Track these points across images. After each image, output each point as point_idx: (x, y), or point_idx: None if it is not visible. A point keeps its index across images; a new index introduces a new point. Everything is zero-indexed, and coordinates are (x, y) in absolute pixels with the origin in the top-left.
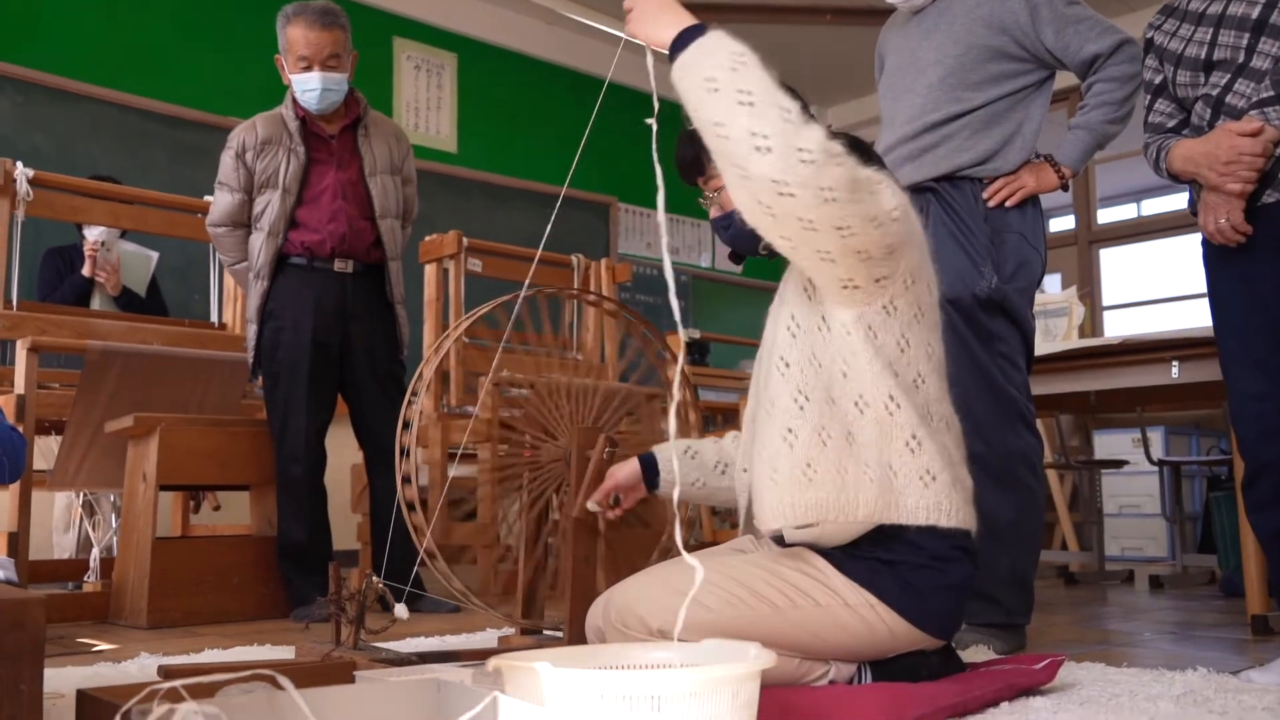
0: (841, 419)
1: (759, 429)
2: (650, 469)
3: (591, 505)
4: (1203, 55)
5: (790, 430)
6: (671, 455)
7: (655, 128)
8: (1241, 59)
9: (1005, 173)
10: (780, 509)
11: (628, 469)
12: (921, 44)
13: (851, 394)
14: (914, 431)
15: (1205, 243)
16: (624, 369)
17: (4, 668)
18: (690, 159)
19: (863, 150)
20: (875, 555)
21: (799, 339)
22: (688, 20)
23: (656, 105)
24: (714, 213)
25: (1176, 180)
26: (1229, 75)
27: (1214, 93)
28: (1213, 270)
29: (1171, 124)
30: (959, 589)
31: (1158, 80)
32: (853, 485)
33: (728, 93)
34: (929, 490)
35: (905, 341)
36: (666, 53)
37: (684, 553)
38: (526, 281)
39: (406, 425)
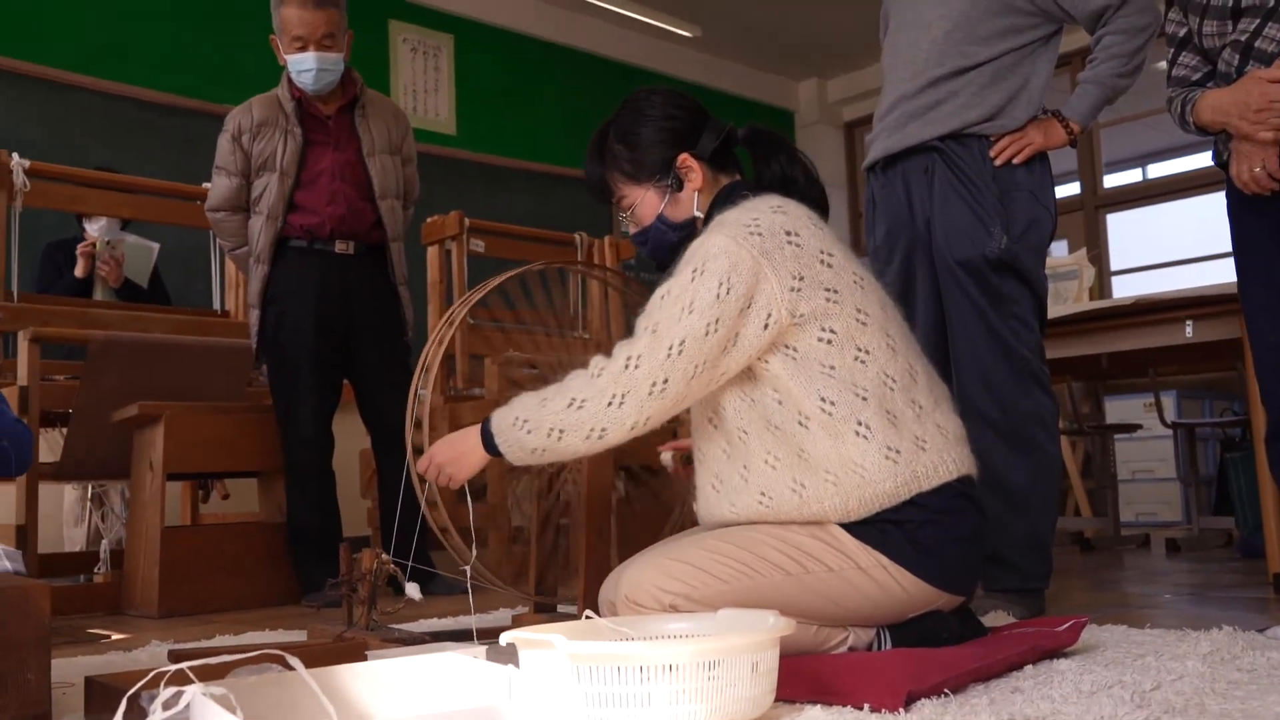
0: (789, 441)
1: (706, 465)
2: None
3: (665, 459)
4: (1230, 2)
5: (745, 466)
6: None
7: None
8: (1272, 3)
9: (1012, 130)
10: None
11: (689, 443)
12: None
13: (791, 415)
14: (858, 418)
15: (1231, 193)
16: None
17: (10, 656)
18: (597, 179)
19: (767, 144)
20: (883, 516)
21: (729, 388)
22: (474, 437)
23: None
24: (631, 229)
25: (1204, 132)
26: (1259, 20)
27: (1243, 38)
28: (1239, 219)
29: (1196, 77)
30: (969, 540)
31: (1181, 33)
32: (813, 498)
33: (549, 445)
34: (901, 464)
35: (829, 331)
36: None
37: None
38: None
39: (418, 425)
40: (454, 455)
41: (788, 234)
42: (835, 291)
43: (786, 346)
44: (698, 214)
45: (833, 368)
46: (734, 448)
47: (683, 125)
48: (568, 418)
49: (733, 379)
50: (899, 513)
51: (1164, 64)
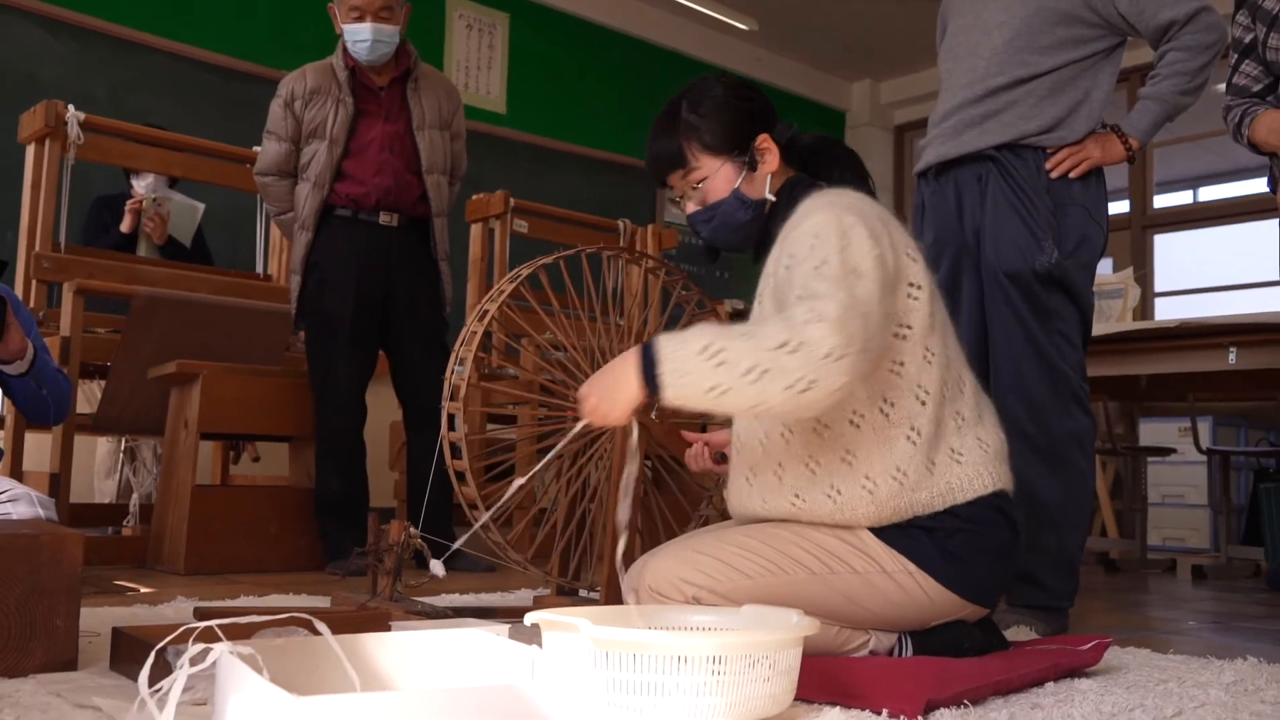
0: (835, 441)
1: (743, 456)
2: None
3: (693, 453)
4: None
5: (781, 465)
6: None
7: None
8: None
9: (1070, 142)
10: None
11: (722, 438)
12: (988, 4)
13: (844, 414)
14: (912, 424)
15: None
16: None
17: (41, 602)
18: (668, 152)
19: (833, 154)
20: (914, 523)
21: None
22: (632, 365)
23: None
24: (690, 207)
25: (1256, 150)
26: None
27: None
28: None
29: (1257, 88)
30: (999, 553)
31: (1247, 39)
32: (848, 504)
33: (738, 386)
34: (937, 476)
35: (906, 327)
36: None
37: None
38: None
39: (453, 395)
40: (602, 392)
41: (881, 221)
42: (919, 287)
43: None
44: (770, 197)
45: (902, 364)
46: (772, 443)
47: (758, 108)
48: (776, 360)
49: None
50: (931, 519)
51: (1223, 86)
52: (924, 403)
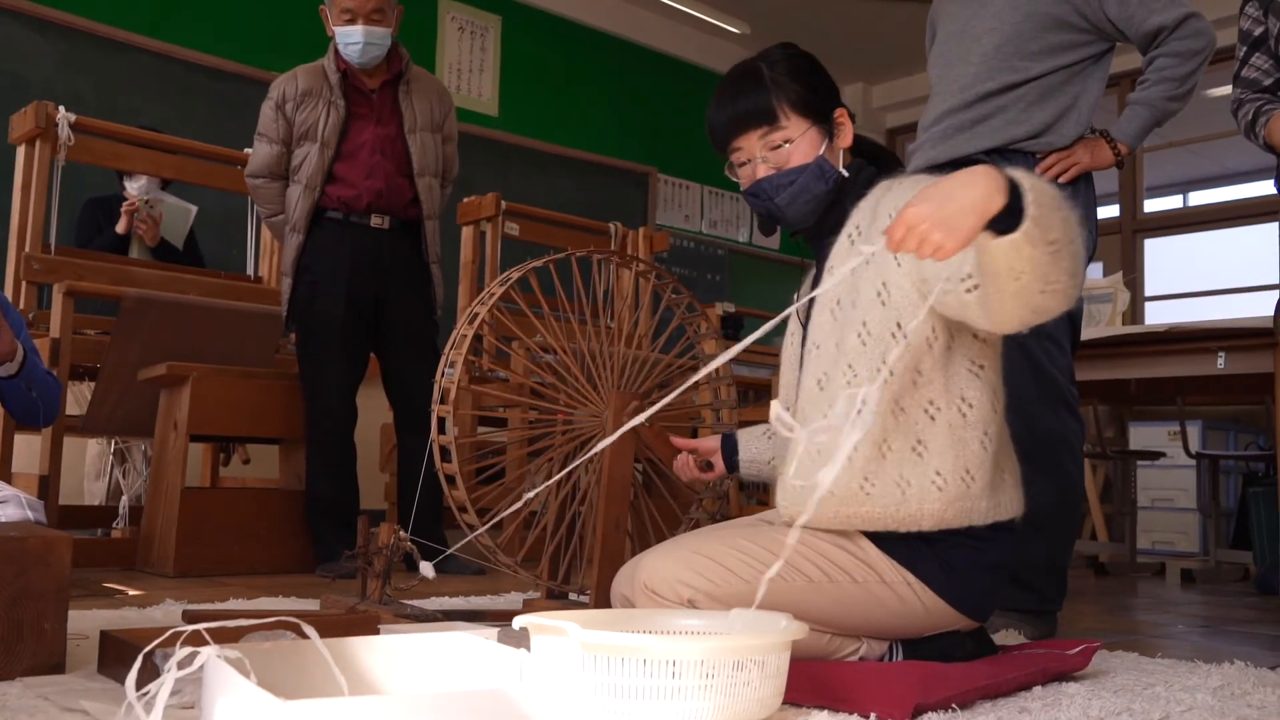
0: (909, 428)
1: (811, 419)
2: (730, 449)
3: (681, 462)
4: None
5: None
6: (751, 439)
7: None
8: None
9: (1059, 148)
10: (836, 520)
11: (710, 444)
12: (978, 10)
13: (921, 401)
14: (985, 428)
15: None
16: (661, 340)
17: (30, 605)
18: (756, 106)
19: (882, 158)
20: (915, 533)
21: (869, 347)
22: (987, 181)
23: None
24: (761, 170)
25: (1271, 150)
26: None
27: None
28: None
29: (1268, 82)
30: (998, 569)
31: (1257, 32)
32: (915, 498)
33: (1064, 251)
34: (996, 491)
35: (981, 335)
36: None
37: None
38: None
39: (443, 398)
40: (943, 214)
41: None
42: None
43: (950, 330)
44: (844, 172)
45: (982, 367)
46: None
47: (832, 83)
48: (1075, 245)
49: (889, 341)
50: (939, 533)
51: (1214, 90)
52: (996, 410)
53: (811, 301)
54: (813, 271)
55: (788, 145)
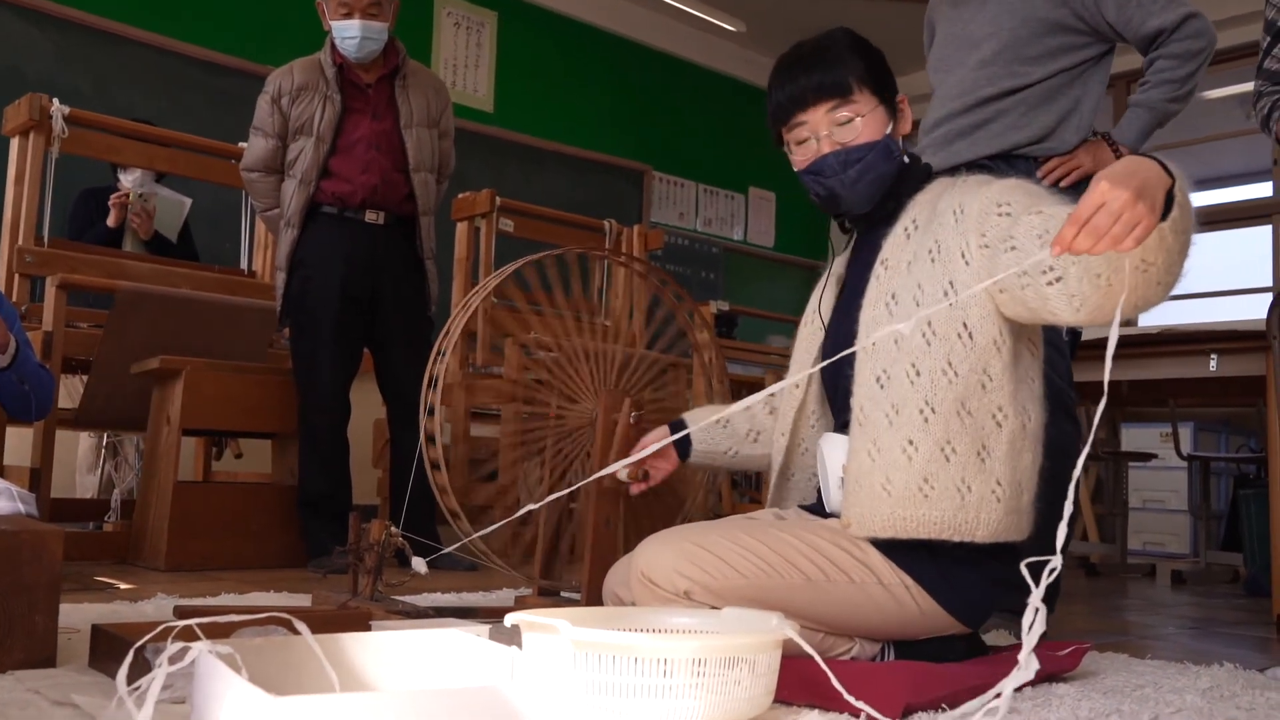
0: (975, 433)
1: (866, 430)
2: (684, 440)
3: (622, 475)
4: None
5: (911, 442)
6: (702, 424)
7: None
8: None
9: (1061, 152)
10: (892, 522)
11: (658, 436)
12: (976, 14)
13: (990, 406)
14: (1038, 443)
15: None
16: (652, 336)
17: (20, 599)
18: (836, 80)
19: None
20: (917, 538)
21: (934, 346)
22: (1156, 169)
23: None
24: (826, 146)
25: None
26: None
27: None
28: None
29: None
30: (997, 580)
31: None
32: (974, 505)
33: (1190, 244)
34: (1036, 510)
35: (1032, 344)
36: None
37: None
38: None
39: (433, 383)
40: (1143, 187)
41: None
42: None
43: (1016, 337)
44: (905, 159)
45: (1034, 380)
46: (904, 419)
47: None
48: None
49: (954, 341)
50: (941, 541)
51: (1214, 92)
52: (1045, 426)
53: (836, 299)
54: (832, 264)
55: (858, 120)
